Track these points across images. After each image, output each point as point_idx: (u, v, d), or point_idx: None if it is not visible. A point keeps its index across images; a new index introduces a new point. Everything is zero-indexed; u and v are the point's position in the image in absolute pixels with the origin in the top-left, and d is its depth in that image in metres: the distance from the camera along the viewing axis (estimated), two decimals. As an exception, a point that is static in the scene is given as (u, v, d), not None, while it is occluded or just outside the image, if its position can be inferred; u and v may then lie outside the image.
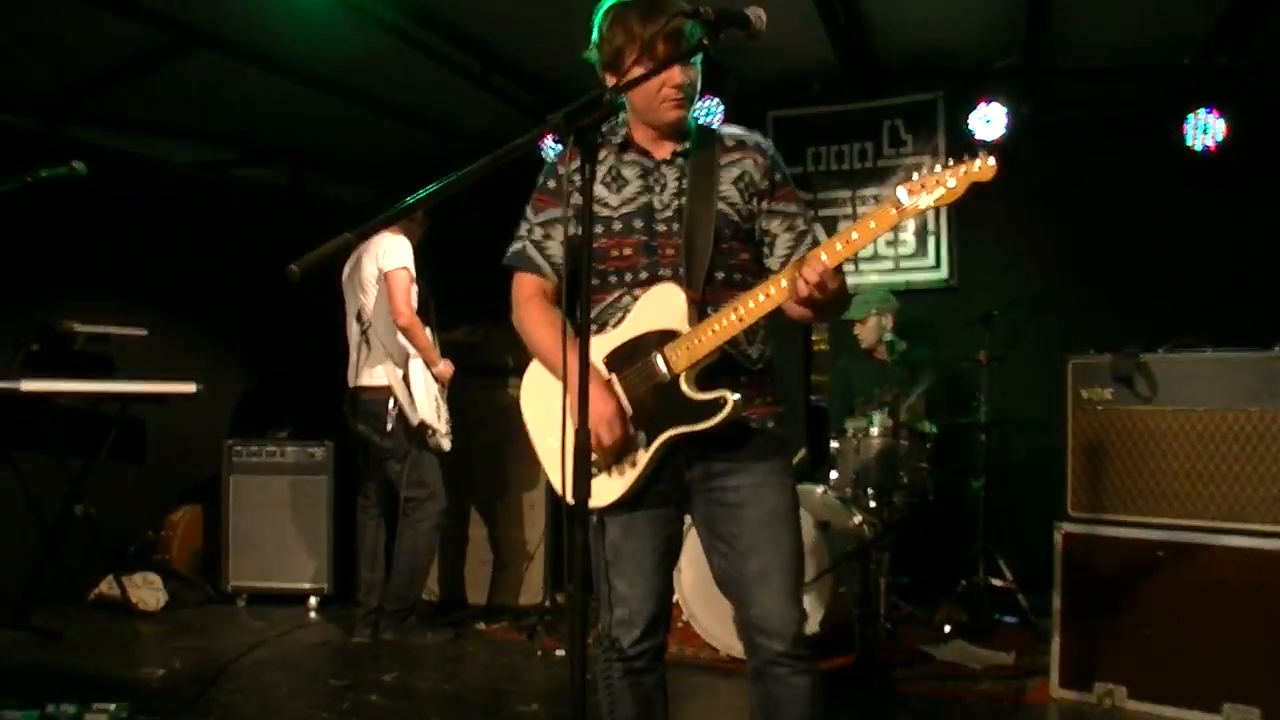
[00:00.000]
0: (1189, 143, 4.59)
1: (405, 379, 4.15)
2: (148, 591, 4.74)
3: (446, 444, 4.25)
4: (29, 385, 4.07)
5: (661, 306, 1.96)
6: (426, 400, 4.17)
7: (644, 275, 2.00)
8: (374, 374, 4.17)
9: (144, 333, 4.71)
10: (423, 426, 4.13)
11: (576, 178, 1.58)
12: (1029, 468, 4.93)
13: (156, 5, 3.82)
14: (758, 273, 2.07)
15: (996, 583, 4.35)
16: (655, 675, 2.12)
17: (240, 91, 4.73)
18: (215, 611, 4.80)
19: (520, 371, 5.27)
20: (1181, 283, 4.70)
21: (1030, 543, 4.79)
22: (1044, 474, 4.73)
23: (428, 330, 4.21)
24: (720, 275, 2.01)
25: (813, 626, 3.74)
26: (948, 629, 4.16)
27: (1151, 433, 3.29)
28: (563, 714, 3.27)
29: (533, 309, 2.11)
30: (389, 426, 4.13)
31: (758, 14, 1.78)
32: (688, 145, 2.04)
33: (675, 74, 1.92)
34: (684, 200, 2.00)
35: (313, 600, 4.90)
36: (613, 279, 2.03)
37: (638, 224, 2.02)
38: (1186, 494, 3.22)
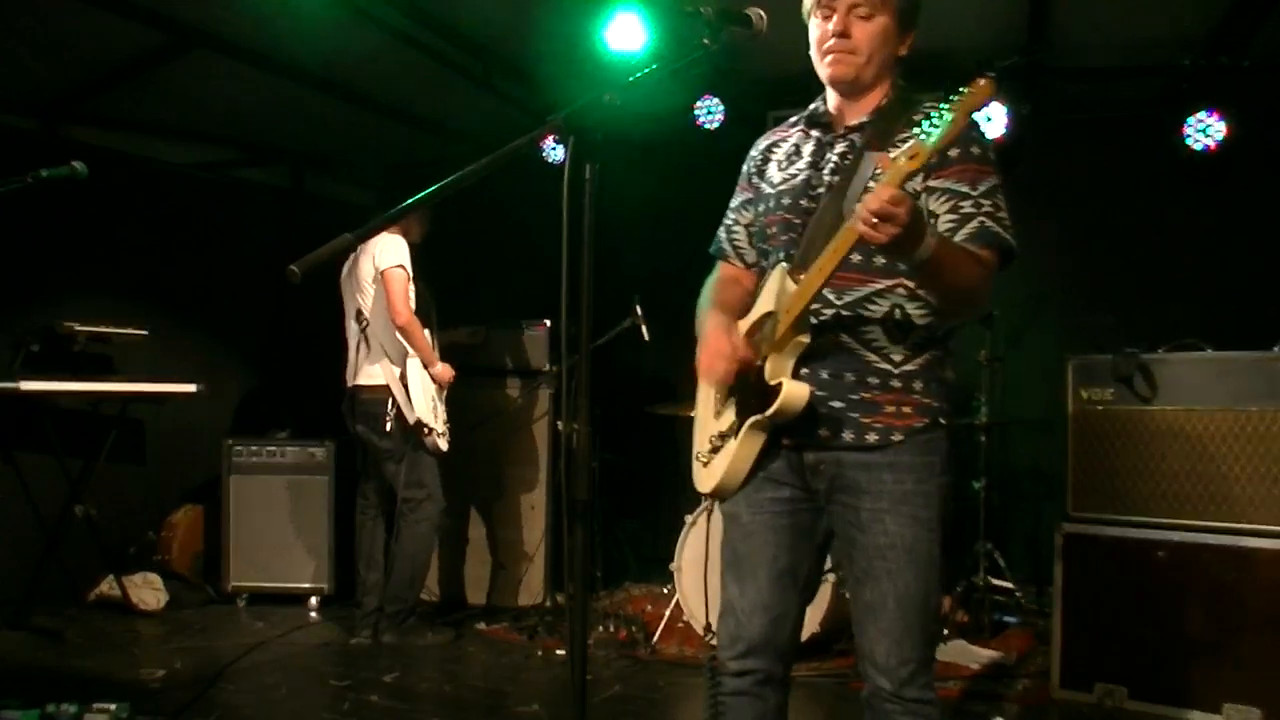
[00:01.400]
0: (1189, 143, 4.58)
1: (403, 378, 4.14)
2: (148, 591, 4.74)
3: (444, 444, 4.23)
4: (29, 385, 4.07)
5: (773, 288, 1.84)
6: (423, 399, 4.15)
7: (783, 255, 1.90)
8: (372, 373, 4.17)
9: (144, 333, 4.71)
10: (419, 426, 4.12)
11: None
12: (1029, 468, 4.94)
13: (156, 5, 3.82)
14: None
15: (997, 583, 4.35)
16: (762, 705, 1.91)
17: (240, 91, 4.72)
18: (215, 611, 4.80)
19: (519, 373, 5.30)
20: (1181, 283, 4.70)
21: (1030, 543, 4.81)
22: (1044, 474, 4.76)
23: (427, 332, 4.21)
24: (856, 258, 1.76)
25: (813, 626, 3.74)
26: (947, 630, 4.16)
27: (1151, 433, 3.30)
28: (563, 714, 3.27)
29: (709, 288, 2.08)
30: (387, 426, 4.12)
31: (759, 14, 1.79)
32: (869, 118, 1.88)
33: (833, 20, 1.83)
34: (839, 176, 1.83)
35: (313, 600, 4.90)
36: (771, 258, 1.95)
37: (786, 200, 1.92)
38: (1186, 494, 3.23)
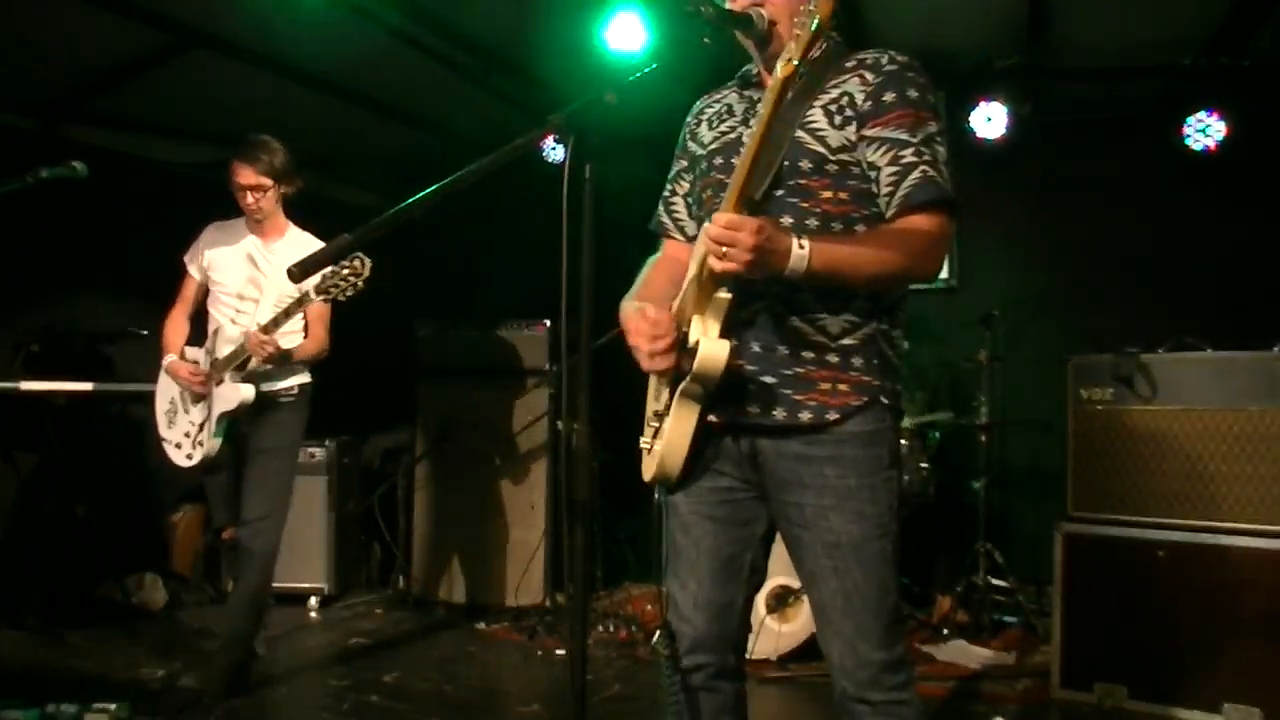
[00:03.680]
0: (1189, 143, 4.59)
1: None
2: (148, 591, 4.74)
3: (180, 458, 3.54)
4: (29, 385, 4.07)
5: (698, 249, 1.70)
6: (160, 399, 3.67)
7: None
8: None
9: (144, 333, 4.71)
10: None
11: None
12: (1029, 468, 4.94)
13: (156, 5, 3.82)
14: (863, 216, 1.72)
15: (997, 583, 4.35)
16: (720, 697, 1.86)
17: (240, 91, 4.72)
18: (215, 611, 4.79)
19: (519, 373, 5.27)
20: (1181, 283, 4.70)
21: (1030, 543, 4.81)
22: (1044, 474, 4.75)
23: (225, 326, 3.55)
24: (789, 218, 1.69)
25: (812, 626, 3.73)
26: (947, 630, 4.16)
27: (1151, 433, 3.30)
28: (563, 714, 3.27)
29: (642, 272, 2.00)
30: None
31: (759, 14, 1.78)
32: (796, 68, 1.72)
33: None
34: None
35: (313, 600, 4.90)
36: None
37: (718, 160, 1.84)
38: (1186, 494, 3.23)
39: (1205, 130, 4.55)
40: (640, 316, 1.75)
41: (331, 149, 5.98)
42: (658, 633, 4.10)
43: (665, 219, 2.03)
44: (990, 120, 4.72)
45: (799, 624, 3.78)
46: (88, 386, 4.37)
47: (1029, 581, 4.58)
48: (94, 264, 5.04)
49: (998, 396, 4.54)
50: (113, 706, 2.96)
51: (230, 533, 3.61)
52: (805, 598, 3.70)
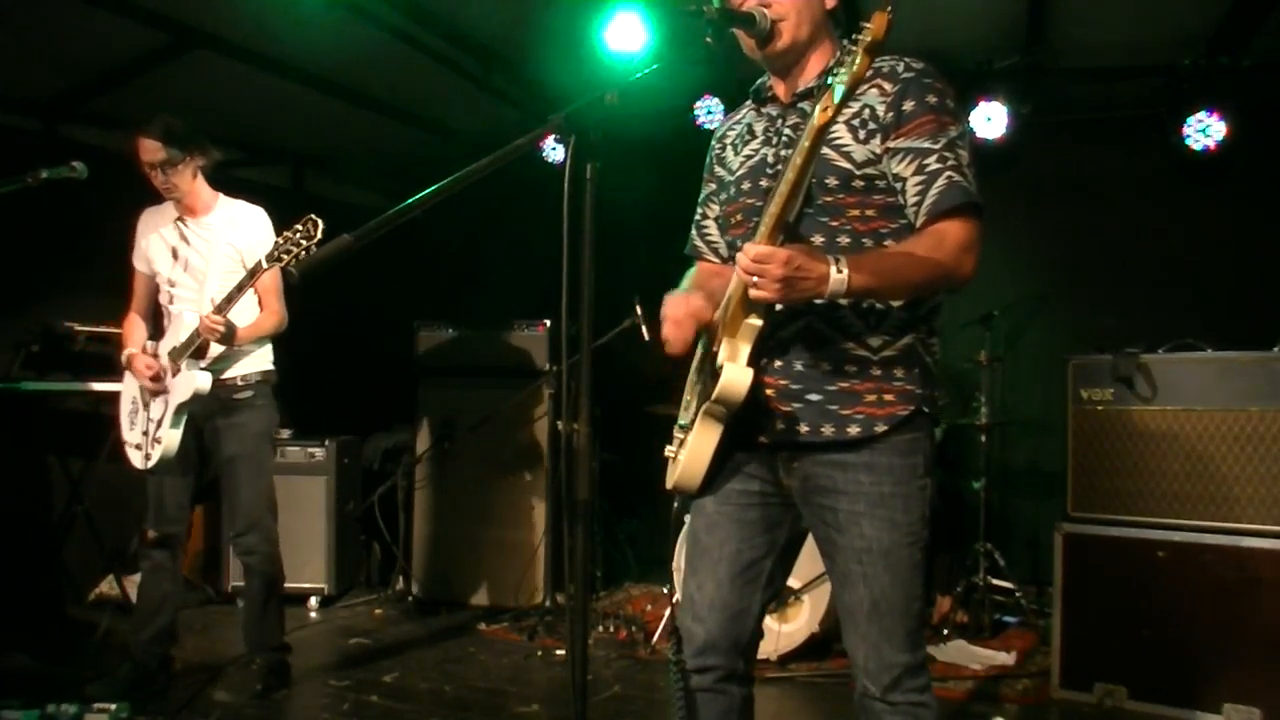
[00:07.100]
0: (1189, 143, 4.58)
1: None
2: (148, 591, 4.74)
3: (139, 460, 3.37)
4: (29, 385, 4.07)
5: (735, 274, 1.73)
6: (124, 400, 3.51)
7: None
8: None
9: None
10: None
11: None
12: (1029, 468, 4.94)
13: (156, 5, 3.82)
14: (892, 230, 1.74)
15: (997, 583, 4.35)
16: (726, 700, 1.88)
17: (240, 91, 4.72)
18: (215, 611, 4.79)
19: (519, 373, 5.26)
20: (1181, 283, 4.70)
21: (1030, 543, 4.81)
22: (1044, 474, 4.76)
23: (181, 314, 3.37)
24: (820, 237, 1.71)
25: (813, 626, 3.75)
26: (947, 630, 4.16)
27: (1151, 433, 3.30)
28: (563, 714, 3.27)
29: (689, 279, 2.02)
30: None
31: (762, 14, 1.78)
32: (817, 82, 1.73)
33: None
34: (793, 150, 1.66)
35: (313, 600, 4.89)
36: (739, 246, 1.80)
37: (746, 185, 1.85)
38: (1186, 494, 3.23)
39: (1205, 130, 4.55)
40: (678, 300, 1.82)
41: (331, 149, 5.99)
42: (668, 638, 4.10)
43: (699, 242, 2.06)
44: (990, 120, 4.71)
45: (799, 624, 3.78)
46: (88, 386, 4.37)
47: (1029, 581, 4.58)
48: (94, 264, 5.03)
49: (998, 396, 4.54)
50: (113, 706, 2.96)
51: (151, 536, 3.44)
52: (805, 598, 3.74)
